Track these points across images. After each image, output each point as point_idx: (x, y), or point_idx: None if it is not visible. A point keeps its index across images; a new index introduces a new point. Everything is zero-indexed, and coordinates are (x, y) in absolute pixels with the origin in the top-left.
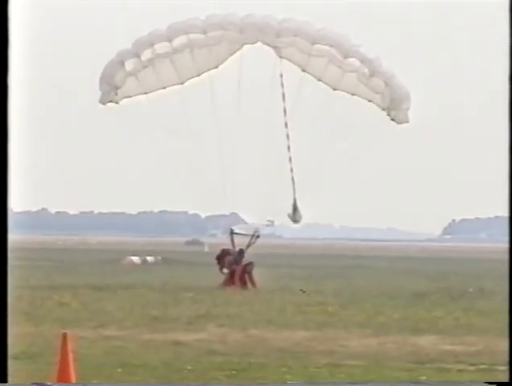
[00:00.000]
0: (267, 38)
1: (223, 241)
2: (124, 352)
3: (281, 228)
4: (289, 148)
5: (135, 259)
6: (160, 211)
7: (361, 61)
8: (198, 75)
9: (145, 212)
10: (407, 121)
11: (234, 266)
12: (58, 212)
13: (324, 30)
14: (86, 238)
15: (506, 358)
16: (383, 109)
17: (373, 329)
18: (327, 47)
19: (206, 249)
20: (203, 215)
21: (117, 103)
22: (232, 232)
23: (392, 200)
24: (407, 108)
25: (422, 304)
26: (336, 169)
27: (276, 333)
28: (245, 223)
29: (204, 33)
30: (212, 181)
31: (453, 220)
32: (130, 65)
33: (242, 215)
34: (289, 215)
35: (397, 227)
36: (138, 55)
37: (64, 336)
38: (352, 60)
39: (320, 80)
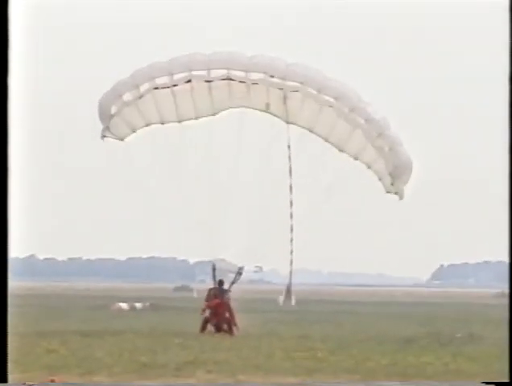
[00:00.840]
0: (274, 78)
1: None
2: None
3: (270, 274)
4: (291, 203)
5: (123, 305)
6: (149, 257)
7: (367, 120)
8: (196, 118)
9: (133, 258)
10: (402, 197)
11: (215, 300)
12: (46, 258)
13: (331, 81)
14: (74, 284)
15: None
16: (380, 179)
17: (362, 374)
18: (331, 99)
19: (195, 295)
20: (191, 261)
21: (121, 140)
22: (214, 268)
23: (381, 246)
24: (406, 182)
25: (410, 349)
26: (325, 217)
27: (264, 378)
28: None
29: (208, 70)
30: (201, 227)
31: (442, 265)
32: (128, 97)
33: (231, 261)
34: (279, 298)
35: (386, 273)
36: (136, 87)
37: (52, 383)
38: (358, 118)
39: (326, 140)
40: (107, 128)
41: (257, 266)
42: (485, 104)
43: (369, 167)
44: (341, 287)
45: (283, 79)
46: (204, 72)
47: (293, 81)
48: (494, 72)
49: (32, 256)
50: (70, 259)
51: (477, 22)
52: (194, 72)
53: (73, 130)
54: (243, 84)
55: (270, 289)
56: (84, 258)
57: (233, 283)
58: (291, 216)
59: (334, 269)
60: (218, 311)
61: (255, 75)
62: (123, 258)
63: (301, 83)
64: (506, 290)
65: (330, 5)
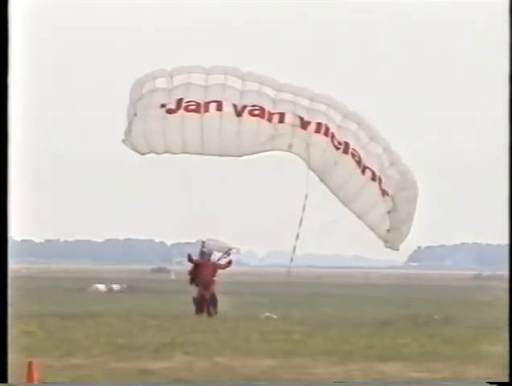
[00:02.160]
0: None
1: (189, 269)
2: (91, 381)
3: (247, 256)
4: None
5: (101, 287)
6: (125, 239)
7: (384, 149)
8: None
9: (110, 240)
10: (395, 248)
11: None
12: (23, 240)
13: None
14: (51, 266)
15: (472, 384)
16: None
17: (339, 357)
18: (355, 125)
19: (172, 277)
20: (168, 243)
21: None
22: (203, 246)
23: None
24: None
25: (387, 331)
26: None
27: (242, 361)
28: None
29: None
30: (178, 208)
31: (419, 247)
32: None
33: (222, 241)
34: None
35: (362, 255)
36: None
37: (30, 365)
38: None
39: (337, 192)
40: (129, 136)
41: (234, 248)
42: (484, 104)
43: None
44: (317, 269)
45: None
46: (236, 98)
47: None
48: (494, 72)
49: (9, 237)
50: (47, 241)
51: (477, 22)
52: (226, 97)
53: (72, 129)
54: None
55: (247, 271)
56: (62, 240)
57: (218, 259)
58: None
59: (310, 251)
60: (202, 273)
61: (288, 118)
62: (100, 240)
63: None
64: (483, 272)
65: (330, 4)
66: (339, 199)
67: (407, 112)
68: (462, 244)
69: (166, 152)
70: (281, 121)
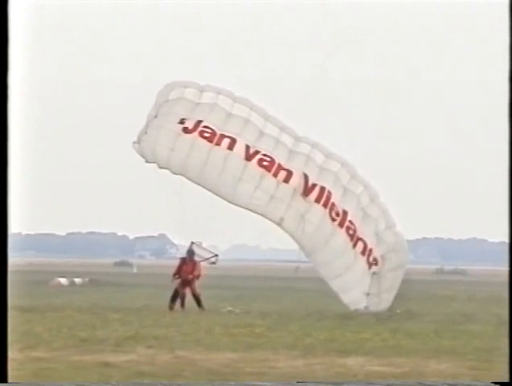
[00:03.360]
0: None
1: (152, 263)
2: (52, 374)
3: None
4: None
5: (63, 280)
6: (88, 233)
7: (382, 212)
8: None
9: (73, 233)
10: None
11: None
12: None
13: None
14: (14, 259)
15: (434, 379)
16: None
17: (301, 350)
18: (361, 188)
19: (135, 270)
20: (131, 237)
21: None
22: (191, 248)
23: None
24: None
25: (349, 325)
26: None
27: (204, 354)
28: (173, 244)
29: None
30: (141, 202)
31: None
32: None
33: (170, 237)
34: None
35: None
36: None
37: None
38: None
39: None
40: (141, 140)
41: (196, 242)
42: (484, 103)
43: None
44: (280, 263)
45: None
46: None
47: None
48: (494, 72)
49: None
50: (10, 234)
51: (477, 22)
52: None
53: (70, 129)
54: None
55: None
56: (24, 233)
57: (199, 262)
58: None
59: (273, 245)
60: (182, 269)
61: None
62: (63, 233)
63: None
64: (445, 267)
65: (329, 5)
66: (320, 273)
67: (406, 113)
68: (424, 238)
69: (166, 168)
70: (286, 180)
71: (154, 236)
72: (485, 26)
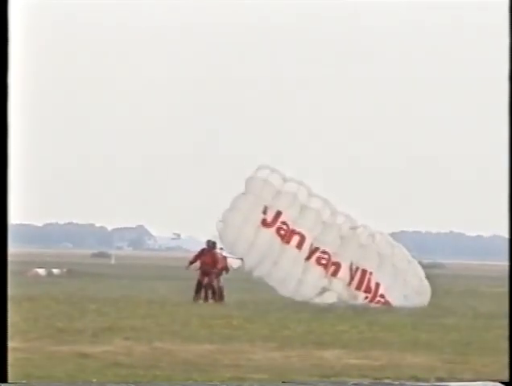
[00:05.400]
0: None
1: (129, 254)
2: (28, 364)
3: (187, 241)
4: None
5: (41, 271)
6: (66, 223)
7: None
8: None
9: (51, 224)
10: None
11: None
12: None
13: None
14: None
15: (411, 372)
16: None
17: (278, 342)
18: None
19: (112, 261)
20: (109, 228)
21: None
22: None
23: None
24: None
25: (326, 318)
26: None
27: (181, 345)
28: (151, 235)
29: None
30: (119, 193)
31: None
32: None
33: (148, 228)
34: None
35: None
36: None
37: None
38: None
39: None
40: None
41: (175, 233)
42: (484, 103)
43: None
44: None
45: None
46: None
47: None
48: (494, 72)
49: None
50: None
51: (477, 22)
52: None
53: (69, 128)
54: None
55: (188, 256)
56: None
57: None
58: None
59: None
60: (202, 260)
61: None
62: (40, 224)
63: None
64: (423, 260)
65: (328, 5)
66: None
67: (405, 112)
68: (401, 231)
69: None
70: (334, 273)
71: (131, 227)
72: (485, 26)
